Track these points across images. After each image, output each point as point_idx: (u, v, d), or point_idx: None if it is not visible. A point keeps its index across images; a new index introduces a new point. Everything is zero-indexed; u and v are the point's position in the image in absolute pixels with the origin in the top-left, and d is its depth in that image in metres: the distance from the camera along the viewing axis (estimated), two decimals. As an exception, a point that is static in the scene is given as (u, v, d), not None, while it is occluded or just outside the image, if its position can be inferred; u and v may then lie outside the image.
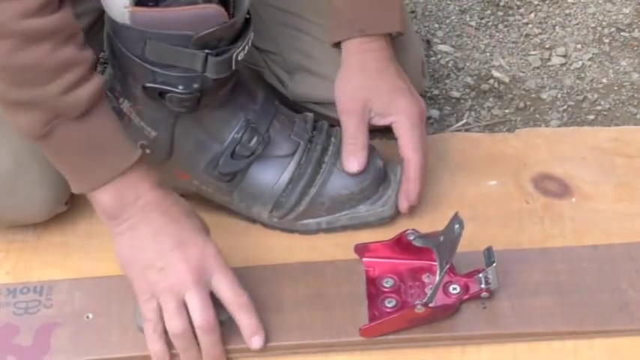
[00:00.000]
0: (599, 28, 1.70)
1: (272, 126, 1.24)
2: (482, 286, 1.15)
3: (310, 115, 1.29)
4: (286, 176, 1.24)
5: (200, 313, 1.08)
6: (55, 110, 1.04)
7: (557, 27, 1.71)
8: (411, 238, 1.17)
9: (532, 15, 1.73)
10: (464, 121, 1.55)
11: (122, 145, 1.09)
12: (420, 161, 1.24)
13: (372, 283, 1.18)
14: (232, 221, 1.28)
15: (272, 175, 1.24)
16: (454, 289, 1.15)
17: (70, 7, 1.04)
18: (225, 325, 1.11)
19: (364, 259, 1.19)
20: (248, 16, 1.17)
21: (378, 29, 1.28)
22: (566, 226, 1.28)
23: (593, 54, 1.65)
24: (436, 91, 1.59)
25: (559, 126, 1.52)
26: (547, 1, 1.75)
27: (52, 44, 1.02)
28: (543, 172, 1.34)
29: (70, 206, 1.27)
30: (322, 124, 1.28)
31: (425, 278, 1.17)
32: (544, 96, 1.58)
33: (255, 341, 1.11)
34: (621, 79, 1.61)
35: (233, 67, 1.16)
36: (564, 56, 1.65)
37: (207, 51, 1.13)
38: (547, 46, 1.67)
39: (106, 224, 1.11)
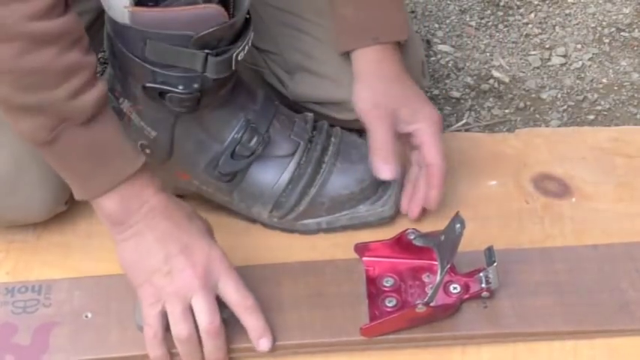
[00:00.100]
0: (599, 28, 1.70)
1: (272, 126, 1.24)
2: (483, 285, 1.15)
3: (310, 115, 1.29)
4: (286, 176, 1.24)
5: (206, 317, 1.08)
6: (62, 115, 1.04)
7: (557, 27, 1.71)
8: (412, 237, 1.17)
9: (532, 15, 1.73)
10: (464, 121, 1.55)
11: (126, 150, 1.09)
12: (444, 168, 1.24)
13: (373, 282, 1.18)
14: (232, 221, 1.28)
15: (272, 175, 1.24)
16: (454, 288, 1.15)
17: (74, 11, 1.04)
18: (226, 324, 1.11)
19: (364, 259, 1.19)
20: (248, 16, 1.17)
21: (392, 37, 1.27)
22: (566, 226, 1.28)
23: (593, 54, 1.65)
24: (436, 91, 1.59)
25: (559, 126, 1.52)
26: (547, 1, 1.75)
27: (59, 48, 1.01)
28: (543, 172, 1.34)
29: (70, 206, 1.27)
30: (322, 124, 1.28)
31: (425, 278, 1.17)
32: (544, 96, 1.58)
33: (263, 343, 1.11)
34: (621, 79, 1.61)
35: (233, 67, 1.16)
36: (564, 56, 1.65)
37: (207, 51, 1.13)
38: (547, 46, 1.67)
39: (110, 230, 1.11)
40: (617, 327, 1.14)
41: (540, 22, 1.71)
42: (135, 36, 1.13)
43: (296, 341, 1.13)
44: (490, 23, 1.71)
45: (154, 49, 1.13)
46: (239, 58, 1.16)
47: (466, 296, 1.15)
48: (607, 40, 1.68)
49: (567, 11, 1.73)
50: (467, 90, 1.59)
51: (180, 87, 1.16)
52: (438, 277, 1.12)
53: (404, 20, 1.29)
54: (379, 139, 1.23)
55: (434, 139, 1.24)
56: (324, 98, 1.34)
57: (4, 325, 1.16)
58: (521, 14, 1.73)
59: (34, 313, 1.17)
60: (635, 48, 1.66)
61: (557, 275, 1.19)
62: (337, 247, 1.25)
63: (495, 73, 1.62)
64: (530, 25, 1.71)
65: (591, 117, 1.55)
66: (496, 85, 1.60)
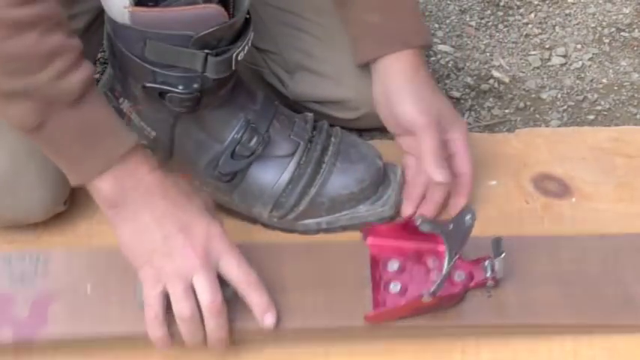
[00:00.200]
0: (599, 28, 1.70)
1: (272, 126, 1.24)
2: (489, 274, 1.14)
3: (310, 115, 1.29)
4: (286, 176, 1.24)
5: (208, 295, 1.07)
6: (48, 98, 1.04)
7: (557, 27, 1.71)
8: (419, 222, 1.16)
9: (532, 15, 1.73)
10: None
11: (117, 130, 1.09)
12: (472, 177, 1.26)
13: (377, 265, 1.17)
14: (232, 221, 1.27)
15: (272, 175, 1.24)
16: (459, 275, 1.14)
17: (74, 11, 1.04)
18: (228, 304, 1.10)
19: (369, 242, 1.19)
20: (248, 16, 1.17)
21: (421, 41, 1.27)
22: (566, 226, 1.28)
23: (593, 54, 1.65)
24: (436, 91, 1.59)
25: (559, 126, 1.52)
26: (547, 1, 1.75)
27: (40, 32, 1.02)
28: (543, 172, 1.35)
29: (70, 206, 1.27)
30: (322, 124, 1.28)
31: (430, 262, 1.17)
32: (544, 96, 1.58)
33: (268, 318, 1.10)
34: (621, 79, 1.61)
35: (233, 67, 1.16)
36: (564, 56, 1.65)
37: (207, 51, 1.13)
38: (547, 46, 1.67)
39: (107, 214, 1.10)
40: (621, 322, 1.14)
41: (540, 22, 1.71)
42: (135, 36, 1.13)
43: (298, 325, 1.12)
44: (490, 23, 1.71)
45: (154, 49, 1.13)
46: (239, 58, 1.16)
47: (472, 284, 1.14)
48: (607, 40, 1.68)
49: (567, 11, 1.73)
50: (467, 90, 1.59)
51: (180, 87, 1.16)
52: (445, 268, 1.10)
53: (427, 26, 1.29)
54: (432, 144, 1.23)
55: (467, 148, 1.26)
56: (324, 97, 1.34)
57: (0, 297, 1.14)
58: (521, 14, 1.73)
59: (31, 284, 1.15)
60: (635, 48, 1.66)
61: (563, 265, 1.18)
62: (337, 247, 1.25)
63: (495, 73, 1.62)
64: (530, 25, 1.71)
65: (591, 117, 1.55)
66: (496, 85, 1.60)
